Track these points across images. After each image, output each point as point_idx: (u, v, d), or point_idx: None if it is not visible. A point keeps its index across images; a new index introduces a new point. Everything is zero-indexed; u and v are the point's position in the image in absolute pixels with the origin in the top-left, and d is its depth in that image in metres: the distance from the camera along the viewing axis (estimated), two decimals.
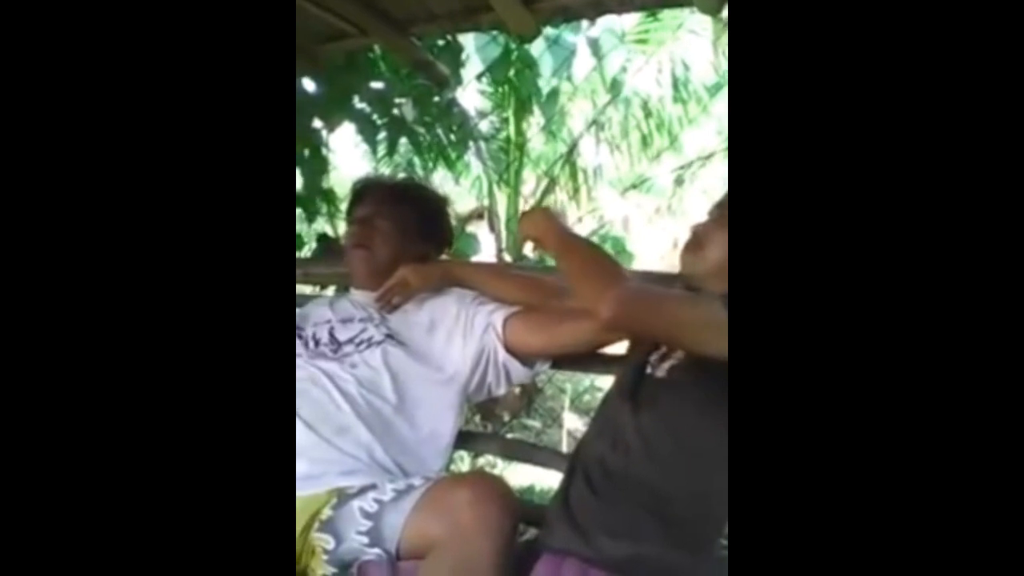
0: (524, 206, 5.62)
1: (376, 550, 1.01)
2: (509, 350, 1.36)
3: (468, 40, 3.92)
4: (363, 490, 1.09)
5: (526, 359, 1.38)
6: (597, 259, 1.14)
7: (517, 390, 4.35)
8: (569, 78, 4.86)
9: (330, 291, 1.97)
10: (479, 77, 4.45)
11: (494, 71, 4.33)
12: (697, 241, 1.18)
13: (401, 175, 3.68)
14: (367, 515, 1.04)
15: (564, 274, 1.18)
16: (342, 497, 1.09)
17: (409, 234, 1.51)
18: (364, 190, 1.59)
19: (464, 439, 1.83)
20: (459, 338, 1.38)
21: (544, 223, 1.24)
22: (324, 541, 1.04)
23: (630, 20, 4.90)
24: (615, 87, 5.09)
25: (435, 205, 1.61)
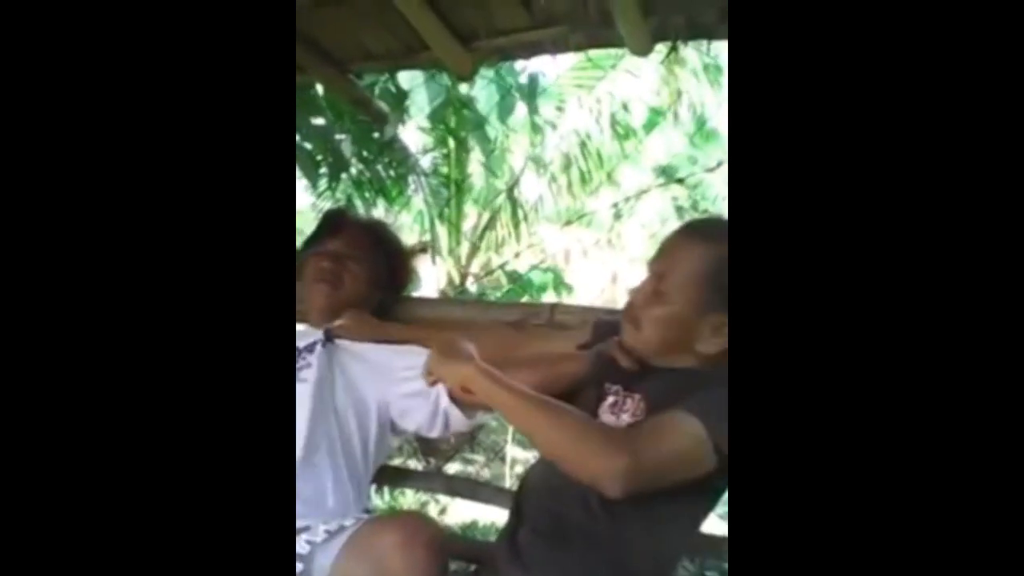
0: (465, 242, 5.66)
1: None
2: (453, 399, 1.32)
3: (406, 78, 3.96)
4: (297, 531, 1.07)
5: (469, 409, 1.34)
6: (571, 419, 0.99)
7: None
8: (507, 116, 4.94)
9: None
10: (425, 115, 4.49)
11: (432, 110, 4.38)
12: (634, 316, 1.09)
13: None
14: (300, 558, 1.02)
15: (535, 438, 1.03)
16: None
17: (376, 279, 1.51)
18: (336, 224, 1.57)
19: (406, 476, 1.81)
20: (396, 384, 1.36)
21: (475, 376, 1.05)
22: None
23: (566, 60, 5.04)
24: (552, 125, 5.19)
25: (403, 253, 1.61)
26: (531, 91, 4.49)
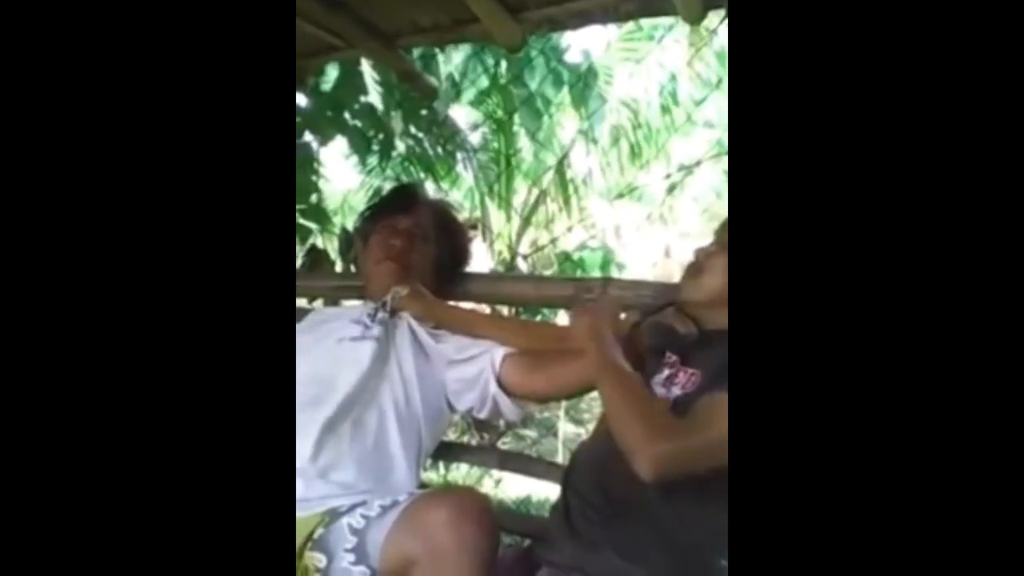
0: (516, 217, 5.64)
1: (361, 568, 1.00)
2: (503, 387, 1.34)
3: (455, 53, 3.94)
4: (353, 507, 1.08)
5: (519, 398, 1.36)
6: (633, 399, 1.03)
7: None
8: (556, 89, 4.88)
9: (317, 304, 1.96)
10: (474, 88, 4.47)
11: (481, 85, 4.36)
12: (697, 267, 1.14)
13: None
14: (354, 531, 1.03)
15: (602, 399, 1.09)
16: (334, 516, 1.09)
17: (440, 263, 1.52)
18: (408, 201, 1.57)
19: (460, 451, 1.83)
20: (448, 369, 1.39)
21: (592, 331, 1.15)
22: (317, 560, 1.04)
23: (615, 30, 4.94)
24: (602, 97, 5.11)
25: (467, 238, 1.63)
26: (580, 62, 4.43)
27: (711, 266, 1.11)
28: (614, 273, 4.91)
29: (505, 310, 2.89)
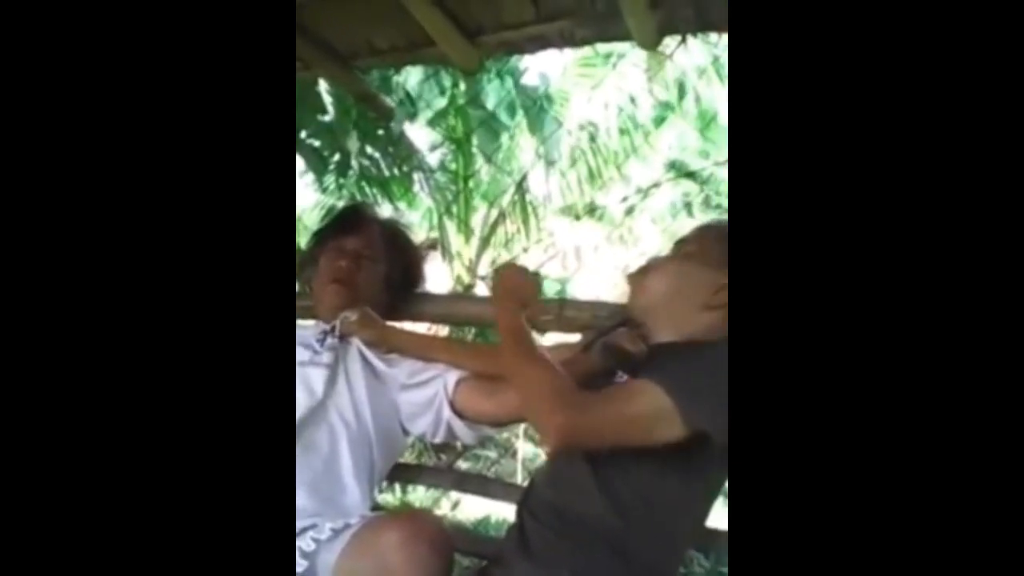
0: (475, 238, 5.65)
1: None
2: (457, 411, 1.32)
3: (412, 75, 3.95)
4: (303, 530, 1.06)
5: (473, 422, 1.35)
6: (538, 372, 1.04)
7: None
8: (513, 111, 4.93)
9: None
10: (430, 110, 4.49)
11: (438, 107, 4.38)
12: (644, 268, 1.16)
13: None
14: (304, 555, 1.01)
15: (507, 374, 1.13)
16: None
17: (392, 282, 1.50)
18: (354, 221, 1.55)
19: (417, 472, 1.81)
20: (400, 392, 1.37)
21: (499, 298, 1.18)
22: None
23: (572, 54, 5.02)
24: (558, 120, 5.18)
25: (417, 254, 1.61)
26: (537, 86, 4.48)
27: (657, 268, 1.14)
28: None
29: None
